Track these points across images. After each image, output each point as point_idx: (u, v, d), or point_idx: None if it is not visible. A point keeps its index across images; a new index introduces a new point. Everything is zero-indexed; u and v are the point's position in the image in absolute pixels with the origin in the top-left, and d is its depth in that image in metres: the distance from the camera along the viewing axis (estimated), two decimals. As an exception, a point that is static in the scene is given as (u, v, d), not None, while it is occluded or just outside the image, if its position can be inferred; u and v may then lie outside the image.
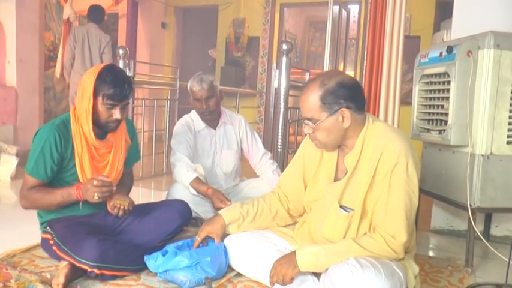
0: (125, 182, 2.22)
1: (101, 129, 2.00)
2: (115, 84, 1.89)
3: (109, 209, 1.99)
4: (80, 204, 1.94)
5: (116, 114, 1.94)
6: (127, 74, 2.04)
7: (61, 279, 1.72)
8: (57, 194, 1.92)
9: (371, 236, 1.58)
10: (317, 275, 1.68)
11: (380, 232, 1.57)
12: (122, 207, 1.97)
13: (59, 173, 1.97)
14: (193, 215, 2.65)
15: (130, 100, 2.03)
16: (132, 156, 2.25)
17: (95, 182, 1.84)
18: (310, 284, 1.68)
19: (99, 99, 1.91)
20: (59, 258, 1.88)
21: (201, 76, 2.73)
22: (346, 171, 1.70)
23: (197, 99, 2.73)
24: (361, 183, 1.64)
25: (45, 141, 1.89)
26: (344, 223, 1.68)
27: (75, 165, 1.96)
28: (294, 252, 1.64)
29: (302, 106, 1.65)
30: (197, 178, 2.53)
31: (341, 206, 1.70)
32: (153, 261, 1.86)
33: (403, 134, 1.66)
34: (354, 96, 1.59)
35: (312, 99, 1.60)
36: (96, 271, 1.77)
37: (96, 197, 1.85)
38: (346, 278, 1.46)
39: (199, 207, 2.62)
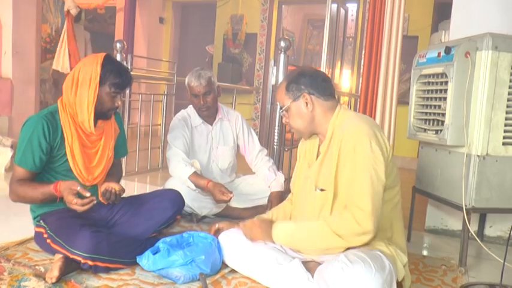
0: (114, 172, 2.22)
1: (101, 117, 2.03)
2: (121, 73, 1.97)
3: (100, 195, 2.00)
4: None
5: (118, 101, 2.01)
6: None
7: (55, 273, 1.72)
8: (38, 191, 1.90)
9: (341, 214, 1.66)
10: (311, 272, 1.69)
11: (350, 208, 1.63)
12: (113, 190, 1.97)
13: (49, 163, 1.97)
14: (189, 210, 2.65)
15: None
16: (120, 146, 2.26)
17: (75, 201, 1.80)
18: (304, 282, 1.69)
19: (105, 88, 1.96)
20: (53, 252, 1.87)
21: (199, 72, 2.71)
22: None
23: (195, 95, 2.72)
24: (332, 164, 1.73)
25: (33, 130, 1.89)
26: (319, 202, 1.78)
27: (65, 154, 1.97)
28: (271, 224, 1.84)
29: (277, 99, 1.93)
30: (195, 172, 2.53)
31: (321, 189, 1.79)
32: (145, 260, 1.86)
33: (369, 121, 1.76)
34: (313, 83, 1.79)
35: (280, 90, 1.86)
36: (90, 263, 1.77)
37: (79, 211, 1.83)
38: (337, 275, 1.49)
39: (195, 203, 2.62)
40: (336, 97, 1.94)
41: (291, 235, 1.77)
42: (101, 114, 2.01)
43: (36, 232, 2.01)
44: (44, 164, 1.94)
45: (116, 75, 1.95)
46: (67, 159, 1.97)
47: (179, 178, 2.58)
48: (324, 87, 1.81)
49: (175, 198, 2.23)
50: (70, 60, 6.05)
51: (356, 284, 1.46)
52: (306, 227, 1.75)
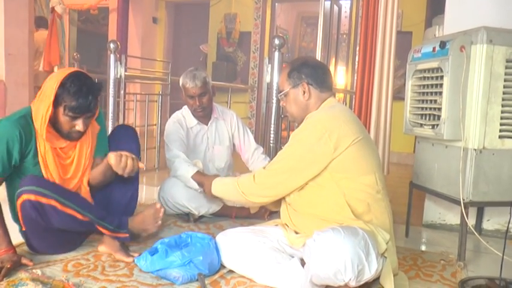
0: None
1: (63, 137, 1.91)
2: (78, 95, 1.78)
3: (114, 165, 1.87)
4: None
5: (79, 125, 1.84)
6: (94, 82, 1.88)
7: None
8: None
9: (252, 173, 1.95)
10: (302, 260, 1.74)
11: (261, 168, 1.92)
12: (129, 156, 1.87)
13: (21, 169, 1.87)
14: (186, 210, 2.64)
15: (95, 112, 1.90)
16: (100, 144, 2.07)
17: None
18: (303, 280, 1.71)
19: (60, 109, 1.81)
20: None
21: (194, 72, 2.69)
22: None
23: (190, 96, 2.70)
24: None
25: (5, 138, 1.78)
26: None
27: (39, 163, 1.87)
28: (212, 178, 2.16)
29: (279, 83, 2.06)
30: (199, 171, 2.51)
31: None
32: (143, 261, 1.85)
33: (341, 113, 1.82)
34: (314, 74, 1.90)
35: (283, 75, 1.97)
36: (32, 198, 1.75)
37: None
38: (311, 246, 1.56)
39: (192, 203, 2.61)
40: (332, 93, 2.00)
41: (221, 186, 2.08)
42: (63, 135, 1.89)
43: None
44: (11, 170, 1.85)
45: (72, 99, 1.77)
46: (41, 169, 1.87)
47: (183, 178, 2.55)
48: (323, 80, 1.91)
49: (128, 129, 2.22)
50: (44, 57, 6.00)
51: (327, 249, 1.51)
52: (229, 182, 2.03)
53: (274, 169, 1.85)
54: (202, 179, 2.43)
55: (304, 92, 1.89)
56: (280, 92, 1.98)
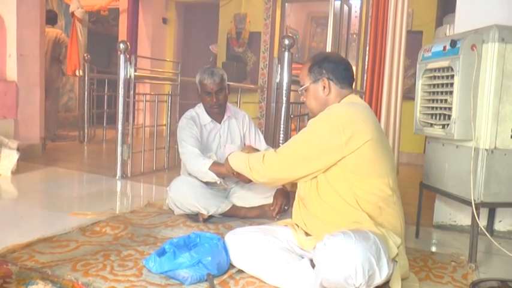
0: None
1: None
2: None
3: None
4: None
5: None
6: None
7: None
8: None
9: (264, 152, 1.96)
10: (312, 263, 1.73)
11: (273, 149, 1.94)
12: None
13: None
14: (195, 210, 2.64)
15: None
16: None
17: None
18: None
19: None
20: None
21: (212, 69, 2.71)
22: None
23: (208, 92, 2.71)
24: None
25: None
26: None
27: None
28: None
29: (300, 76, 2.02)
30: (215, 162, 2.50)
31: None
32: (152, 263, 1.85)
33: (357, 109, 1.79)
34: (335, 70, 1.89)
35: (304, 69, 1.96)
36: None
37: None
38: (322, 250, 1.54)
39: (201, 201, 2.60)
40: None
41: (236, 157, 2.11)
42: None
43: None
44: None
45: None
46: None
47: (199, 173, 2.55)
48: (344, 76, 1.90)
49: None
50: (68, 62, 6.13)
51: (337, 254, 1.49)
52: (242, 155, 2.06)
53: (283, 153, 1.85)
54: (220, 167, 2.45)
55: (324, 88, 1.89)
56: (301, 86, 1.97)
